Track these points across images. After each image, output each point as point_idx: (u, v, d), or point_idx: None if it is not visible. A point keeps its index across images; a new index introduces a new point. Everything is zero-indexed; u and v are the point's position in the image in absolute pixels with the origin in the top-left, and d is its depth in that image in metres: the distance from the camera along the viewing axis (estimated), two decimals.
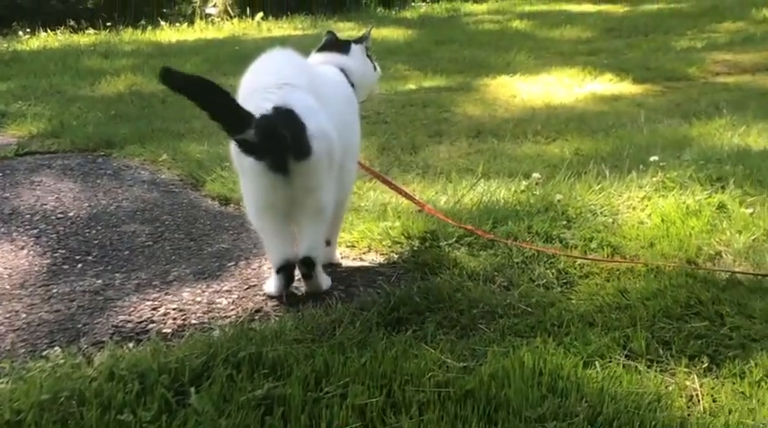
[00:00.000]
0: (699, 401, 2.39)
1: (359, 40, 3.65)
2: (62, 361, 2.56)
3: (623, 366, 2.56)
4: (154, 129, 5.97)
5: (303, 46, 3.61)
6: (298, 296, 3.10)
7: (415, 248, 3.52)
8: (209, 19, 13.60)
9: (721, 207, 3.80)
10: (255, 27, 12.70)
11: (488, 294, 3.06)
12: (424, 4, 15.05)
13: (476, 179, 4.40)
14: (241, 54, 8.58)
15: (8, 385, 2.41)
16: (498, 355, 2.59)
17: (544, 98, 6.99)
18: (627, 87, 7.52)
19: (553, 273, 3.26)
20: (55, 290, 3.23)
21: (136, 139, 5.61)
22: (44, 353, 2.66)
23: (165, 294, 3.16)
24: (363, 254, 3.57)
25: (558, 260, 3.35)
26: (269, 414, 2.26)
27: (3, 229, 3.93)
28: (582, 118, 6.13)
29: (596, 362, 2.56)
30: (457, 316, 2.90)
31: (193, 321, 2.93)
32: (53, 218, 4.10)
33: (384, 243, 3.60)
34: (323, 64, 3.49)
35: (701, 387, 2.45)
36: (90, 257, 3.60)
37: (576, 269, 3.29)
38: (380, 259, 3.50)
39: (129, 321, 2.93)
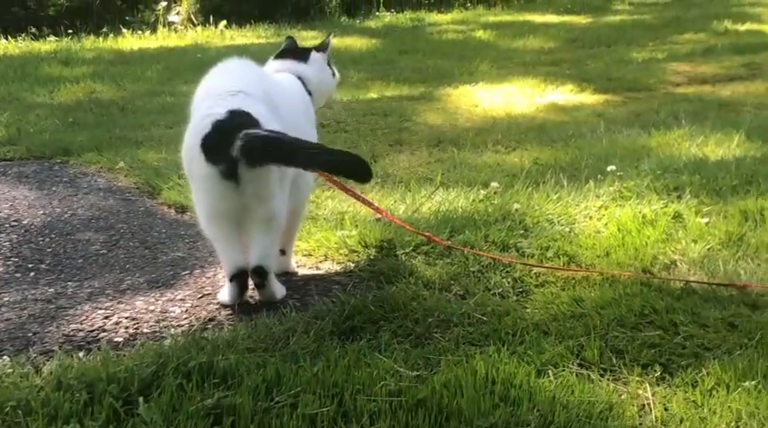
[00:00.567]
0: (651, 410, 2.39)
1: (319, 48, 3.64)
2: (10, 371, 2.53)
3: (576, 375, 2.56)
4: (112, 136, 5.92)
5: (266, 54, 3.60)
6: (252, 304, 3.08)
7: (371, 257, 3.51)
8: (172, 27, 13.53)
9: (677, 216, 3.82)
10: (219, 35, 12.65)
11: (444, 303, 3.05)
12: (388, 13, 15.05)
13: (434, 188, 4.40)
14: (203, 62, 8.51)
15: None
16: (452, 364, 2.59)
17: (505, 107, 7.00)
18: (588, 97, 7.56)
19: (509, 282, 3.26)
20: (6, 299, 3.18)
21: (93, 147, 5.55)
22: None
23: (118, 303, 3.13)
24: (320, 262, 3.56)
25: (515, 269, 3.35)
26: (218, 424, 2.25)
27: None
28: (542, 127, 6.15)
29: (549, 371, 2.57)
30: (412, 325, 2.89)
31: (145, 330, 2.90)
32: (6, 225, 4.05)
33: (341, 251, 3.58)
34: (280, 71, 3.48)
35: (653, 395, 2.46)
36: (43, 265, 3.56)
37: (532, 278, 3.29)
38: (337, 268, 3.48)
39: (80, 330, 2.90)
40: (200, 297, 3.19)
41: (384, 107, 7.00)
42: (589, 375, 2.56)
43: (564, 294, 3.13)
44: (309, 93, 3.47)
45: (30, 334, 2.86)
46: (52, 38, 12.19)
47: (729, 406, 2.37)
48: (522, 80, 8.11)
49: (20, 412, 2.26)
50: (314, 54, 3.59)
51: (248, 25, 13.27)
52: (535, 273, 3.32)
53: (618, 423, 2.30)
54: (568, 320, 2.91)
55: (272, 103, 3.00)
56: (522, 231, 3.73)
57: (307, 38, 10.92)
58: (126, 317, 3.00)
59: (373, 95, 7.68)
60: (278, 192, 2.88)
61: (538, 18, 14.08)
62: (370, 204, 3.53)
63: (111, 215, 4.23)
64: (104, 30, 12.64)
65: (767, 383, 2.47)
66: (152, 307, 3.09)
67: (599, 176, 4.42)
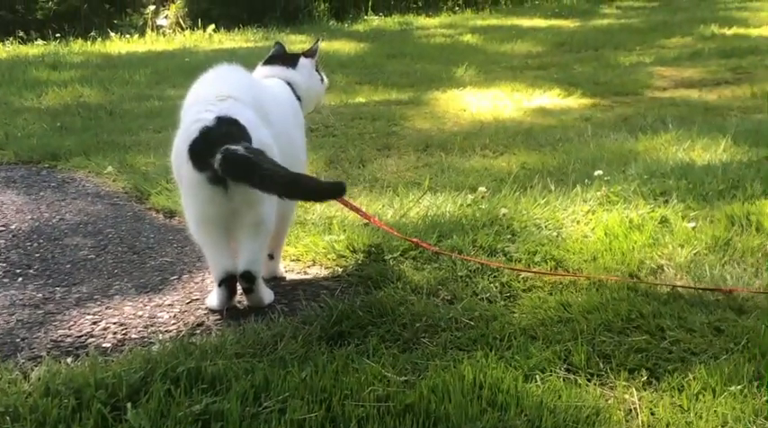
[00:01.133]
0: (637, 414, 2.40)
1: (308, 53, 3.65)
2: None
3: (563, 379, 2.57)
4: (100, 141, 5.91)
5: (254, 58, 3.61)
6: (240, 310, 3.09)
7: (359, 262, 3.52)
8: (161, 31, 13.51)
9: (664, 221, 3.83)
10: (207, 39, 12.63)
11: (432, 308, 3.06)
12: (376, 17, 15.04)
13: (422, 193, 4.41)
14: (191, 66, 8.55)
15: None
16: (439, 369, 2.60)
17: (493, 112, 7.01)
18: (575, 101, 7.57)
19: (497, 287, 3.27)
20: None
21: (81, 151, 5.54)
22: None
23: (106, 308, 3.13)
24: (308, 267, 3.56)
25: (502, 273, 3.36)
26: None
27: None
28: (529, 132, 6.16)
29: (537, 376, 2.58)
30: (400, 330, 2.90)
31: (134, 335, 2.91)
32: None
33: (329, 256, 3.59)
34: (269, 77, 3.49)
35: (639, 400, 2.47)
36: (31, 270, 3.56)
37: (519, 282, 3.30)
38: (325, 273, 3.49)
39: (68, 335, 2.90)
40: (189, 302, 3.20)
41: (372, 111, 7.00)
42: (576, 380, 2.57)
43: (551, 299, 3.14)
44: (299, 99, 3.49)
45: (18, 340, 2.87)
46: (40, 42, 12.15)
47: (716, 411, 2.38)
48: (510, 84, 8.12)
49: (8, 418, 2.27)
50: (302, 60, 3.60)
51: (237, 29, 13.26)
52: (523, 278, 3.33)
53: None
54: (556, 325, 2.92)
55: (261, 109, 3.01)
56: (509, 236, 3.74)
57: (295, 42, 10.92)
58: (114, 323, 3.00)
59: (361, 100, 7.69)
60: (266, 198, 2.88)
61: (526, 22, 14.10)
62: (358, 210, 3.54)
63: (99, 220, 4.23)
64: (92, 33, 12.61)
65: (753, 387, 2.49)
66: (140, 313, 3.09)
67: (586, 181, 4.43)
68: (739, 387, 2.48)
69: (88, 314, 3.08)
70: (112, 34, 12.68)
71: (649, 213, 3.90)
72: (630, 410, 2.43)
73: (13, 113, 7.03)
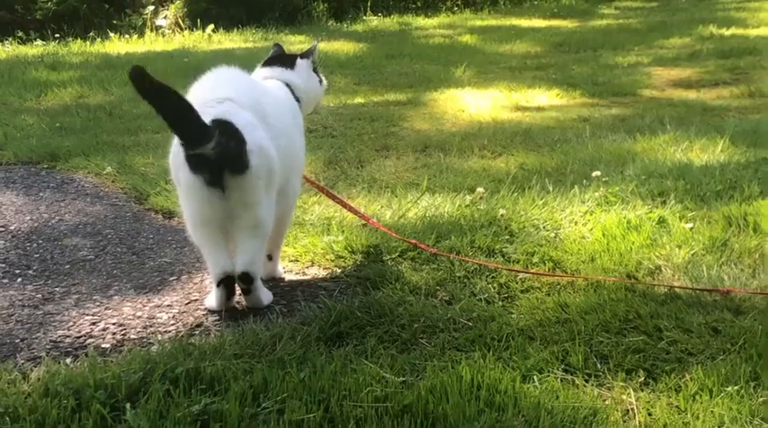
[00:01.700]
0: (635, 415, 2.41)
1: (305, 55, 3.66)
2: None
3: (561, 380, 2.58)
4: (99, 141, 5.91)
5: (253, 58, 3.61)
6: (238, 310, 3.10)
7: (358, 263, 3.53)
8: (160, 31, 13.51)
9: (662, 222, 3.84)
10: (206, 39, 12.63)
11: (430, 308, 3.07)
12: (375, 17, 15.05)
13: (420, 193, 4.42)
14: (190, 66, 8.54)
15: None
16: (437, 370, 2.60)
17: (491, 112, 7.01)
18: (574, 102, 7.57)
19: (495, 288, 3.28)
20: None
21: (80, 152, 5.55)
22: None
23: (106, 309, 3.14)
24: (306, 268, 3.57)
25: (500, 274, 3.37)
26: None
27: None
28: (528, 132, 6.16)
29: (534, 376, 2.58)
30: (398, 330, 2.91)
31: (133, 336, 2.92)
32: None
33: (327, 257, 3.60)
34: (268, 78, 3.50)
35: (637, 401, 2.48)
36: (30, 271, 3.56)
37: (517, 283, 3.31)
38: (323, 273, 3.50)
39: (67, 336, 2.91)
40: (188, 303, 3.21)
41: (371, 112, 7.01)
42: (574, 380, 2.58)
43: (549, 299, 3.15)
44: (298, 100, 3.49)
45: (17, 341, 2.87)
46: (39, 42, 12.15)
47: (712, 411, 2.39)
48: (509, 85, 8.13)
49: (7, 418, 2.27)
50: (299, 61, 3.60)
51: (236, 29, 13.26)
52: (521, 279, 3.34)
53: None
54: (553, 325, 2.93)
55: (260, 111, 3.02)
56: (507, 236, 3.75)
57: (294, 42, 10.93)
58: (113, 323, 3.01)
59: (360, 100, 7.69)
60: (264, 199, 2.89)
61: (524, 22, 14.11)
62: (356, 211, 3.55)
63: (98, 220, 4.24)
64: (92, 34, 12.61)
65: (750, 388, 2.50)
66: (139, 313, 3.10)
67: (584, 181, 4.45)
68: (736, 387, 2.48)
69: (87, 314, 3.08)
70: (112, 35, 12.67)
71: (647, 214, 3.91)
72: (628, 410, 2.44)
73: (13, 114, 7.03)
